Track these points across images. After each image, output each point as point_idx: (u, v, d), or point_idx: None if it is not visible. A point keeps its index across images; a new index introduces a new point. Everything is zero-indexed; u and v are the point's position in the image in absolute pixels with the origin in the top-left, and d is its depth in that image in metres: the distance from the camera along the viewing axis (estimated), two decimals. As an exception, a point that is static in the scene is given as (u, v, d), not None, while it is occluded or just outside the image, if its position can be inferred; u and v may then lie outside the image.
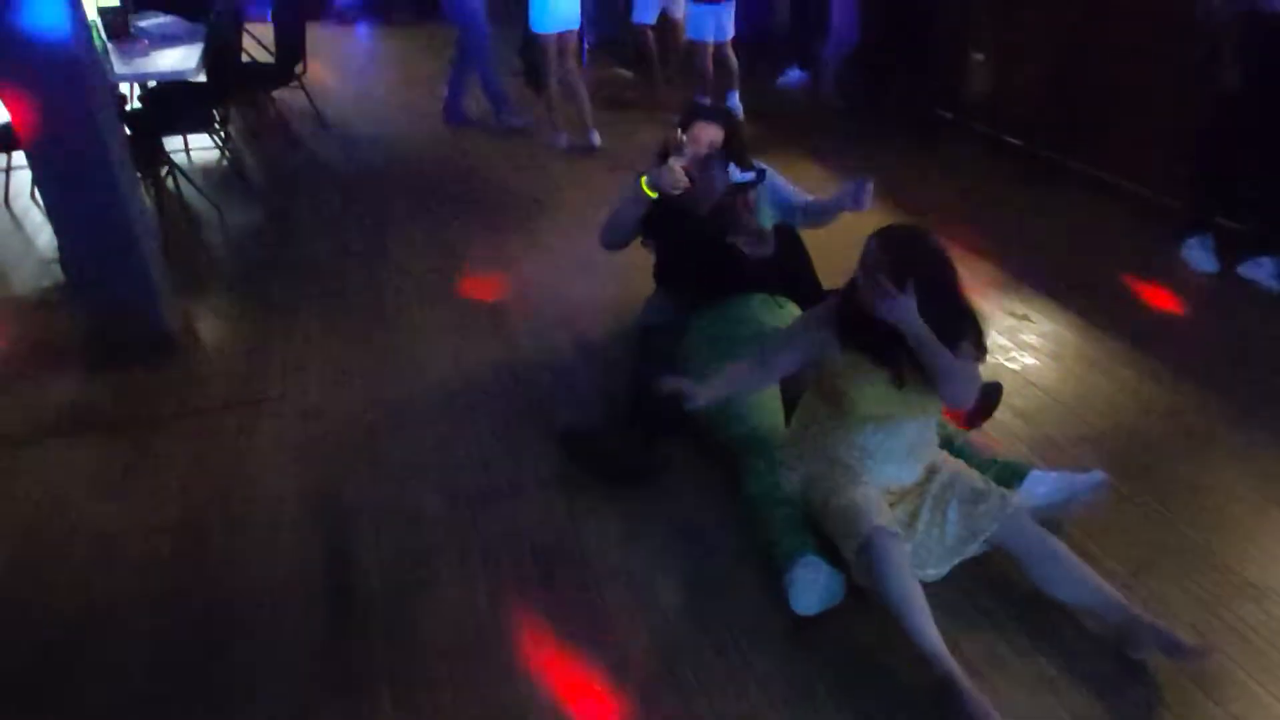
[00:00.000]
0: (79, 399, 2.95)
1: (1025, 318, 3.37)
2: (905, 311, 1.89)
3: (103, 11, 4.45)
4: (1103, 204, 4.41)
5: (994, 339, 3.21)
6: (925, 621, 1.80)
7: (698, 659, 1.93)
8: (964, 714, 1.68)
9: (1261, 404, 2.80)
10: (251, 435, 2.74)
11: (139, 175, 3.64)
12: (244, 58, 5.49)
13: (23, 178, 4.32)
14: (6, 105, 2.93)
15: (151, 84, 4.73)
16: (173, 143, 4.74)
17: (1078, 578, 1.91)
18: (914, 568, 1.92)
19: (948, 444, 2.30)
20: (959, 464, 2.16)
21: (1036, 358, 3.10)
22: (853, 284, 2.05)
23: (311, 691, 1.88)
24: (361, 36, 8.54)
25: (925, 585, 1.90)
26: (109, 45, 4.37)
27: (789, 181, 3.05)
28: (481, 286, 3.69)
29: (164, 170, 4.47)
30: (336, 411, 2.84)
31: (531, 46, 5.45)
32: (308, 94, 5.71)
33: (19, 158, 4.17)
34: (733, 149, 2.86)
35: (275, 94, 5.79)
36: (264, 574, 2.20)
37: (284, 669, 1.93)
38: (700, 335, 2.70)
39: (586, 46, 6.99)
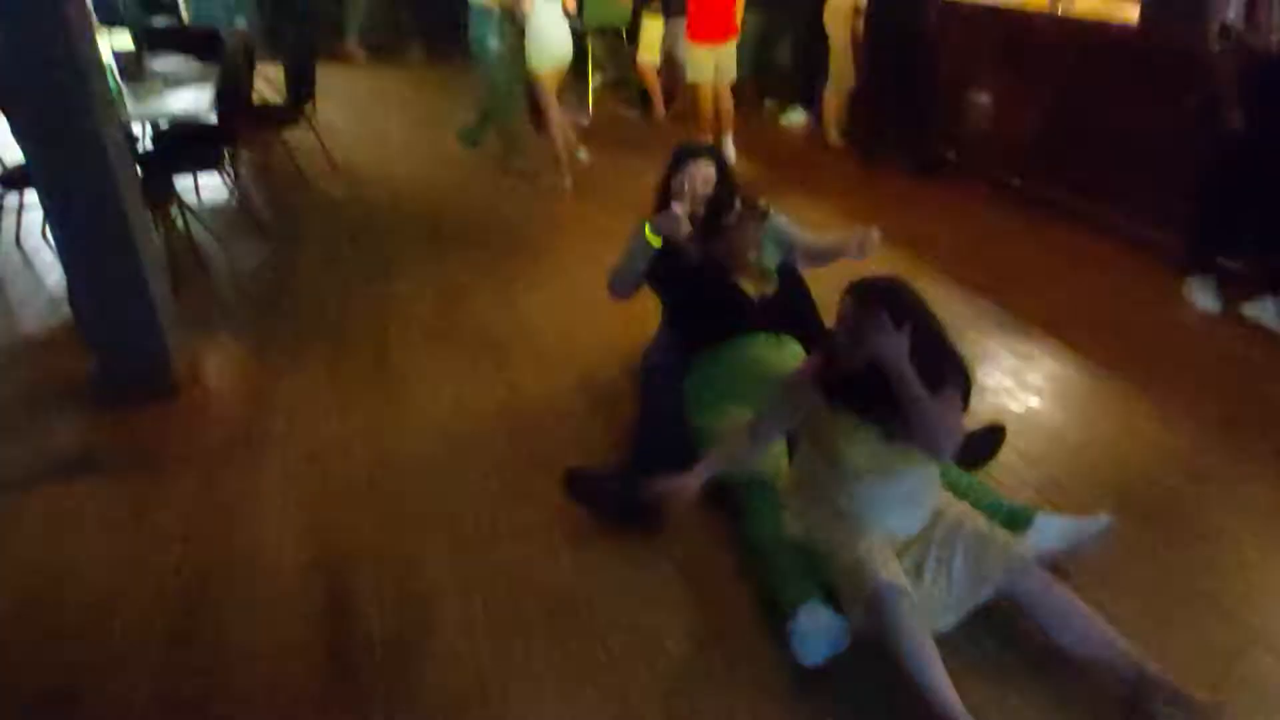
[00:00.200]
0: (83, 439, 2.96)
1: (1029, 357, 3.37)
2: (897, 349, 1.88)
3: (118, 54, 4.54)
4: (1105, 243, 4.42)
5: (997, 379, 3.21)
6: (938, 677, 1.77)
7: (702, 709, 1.90)
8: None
9: (1266, 445, 2.79)
10: (255, 477, 2.73)
11: (149, 213, 3.68)
12: (255, 98, 5.58)
13: (34, 217, 4.37)
14: (21, 145, 2.98)
15: (163, 123, 4.80)
16: (182, 181, 4.80)
17: (1088, 629, 1.88)
18: (924, 618, 1.90)
19: (952, 487, 2.29)
20: (964, 509, 2.14)
21: (1040, 398, 3.10)
22: (832, 343, 2.05)
23: (311, 741, 1.86)
24: (371, 77, 8.67)
25: (935, 636, 1.88)
26: (123, 86, 4.45)
27: (791, 221, 3.07)
28: (485, 326, 3.71)
29: (173, 208, 4.53)
30: (339, 453, 2.84)
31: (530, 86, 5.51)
32: (316, 133, 5.79)
33: (31, 196, 4.22)
34: (726, 185, 2.88)
35: (284, 133, 5.87)
36: (265, 619, 2.18)
37: (284, 716, 1.91)
38: (704, 375, 2.71)
39: (593, 87, 7.09)
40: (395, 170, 5.97)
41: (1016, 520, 2.21)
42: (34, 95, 2.78)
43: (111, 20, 5.53)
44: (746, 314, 2.70)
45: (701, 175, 2.84)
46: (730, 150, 5.78)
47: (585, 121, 6.76)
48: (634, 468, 2.57)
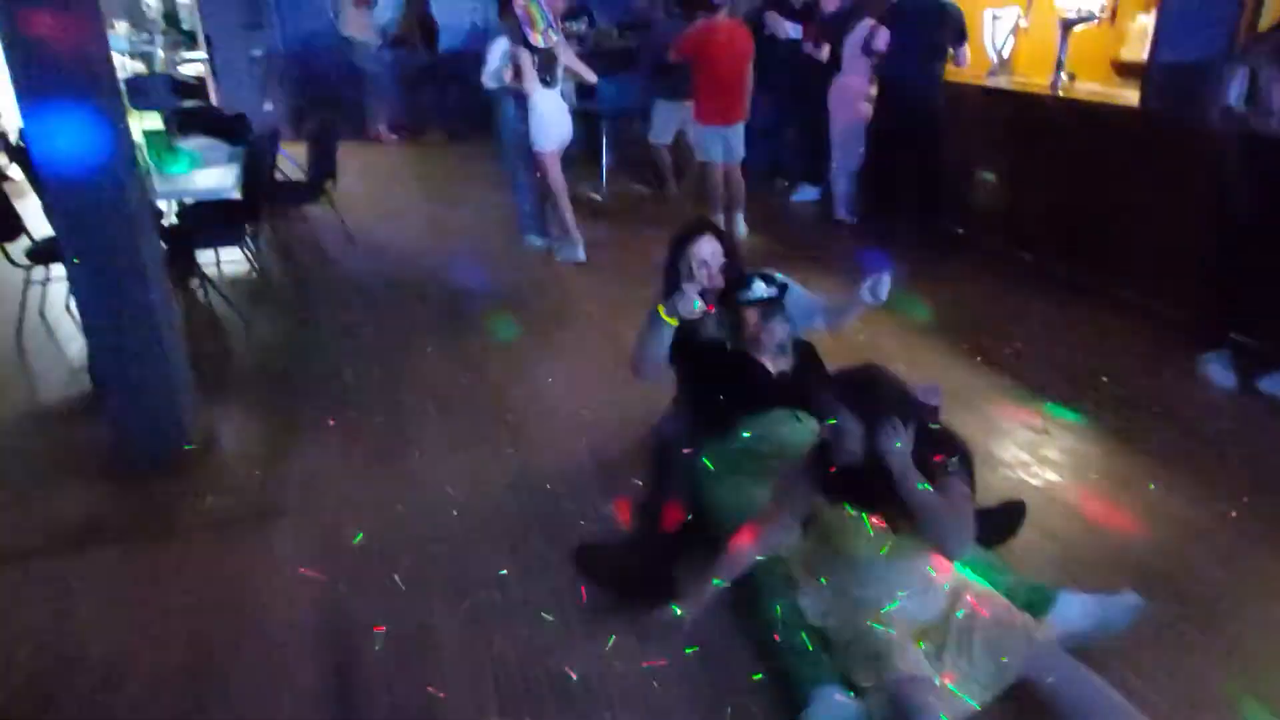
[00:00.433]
0: (96, 509, 2.95)
1: (1045, 431, 3.34)
2: (902, 453, 1.87)
3: (148, 134, 4.70)
4: (1117, 317, 4.44)
5: (1013, 453, 3.18)
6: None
7: (718, 795, 1.84)
8: None
9: (1293, 524, 2.74)
10: (266, 549, 2.72)
11: (171, 285, 3.75)
12: (278, 175, 5.74)
13: (58, 289, 4.46)
14: (50, 220, 3.07)
15: (189, 200, 4.94)
16: (204, 254, 4.90)
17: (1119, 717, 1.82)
18: (947, 705, 1.83)
19: (969, 566, 2.24)
20: (983, 591, 2.09)
21: (1059, 473, 3.06)
22: (823, 443, 2.04)
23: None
24: (391, 156, 8.92)
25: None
26: (152, 165, 4.60)
27: (806, 289, 3.08)
28: (499, 397, 3.72)
29: (195, 281, 4.61)
30: (351, 525, 2.82)
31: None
32: (336, 209, 5.93)
33: (56, 269, 4.32)
34: (734, 258, 2.90)
35: (305, 209, 6.02)
36: (273, 692, 2.14)
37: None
38: (719, 451, 2.69)
39: (606, 166, 7.27)
40: (412, 244, 6.09)
41: (1038, 601, 2.15)
42: (66, 173, 2.87)
43: (142, 103, 5.75)
44: (763, 389, 2.70)
45: (708, 250, 2.85)
46: (742, 228, 5.87)
47: (599, 198, 6.92)
48: (646, 543, 2.54)
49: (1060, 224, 5.01)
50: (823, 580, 2.12)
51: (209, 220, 4.74)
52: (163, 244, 3.72)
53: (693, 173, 6.64)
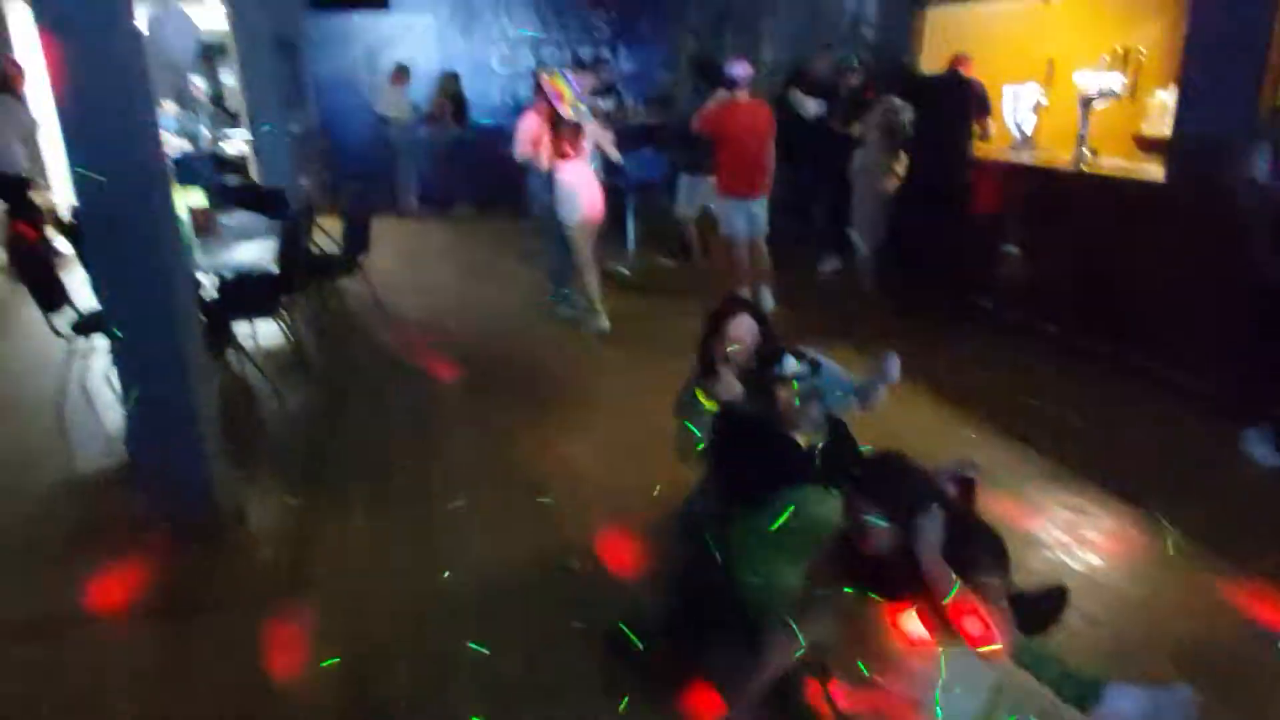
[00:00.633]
0: (128, 580, 2.96)
1: (1084, 511, 3.27)
2: (932, 546, 1.82)
3: (192, 211, 4.86)
4: (1148, 391, 4.37)
5: (1054, 534, 3.11)
6: None
7: None
8: None
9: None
10: (295, 621, 2.70)
11: (208, 357, 3.83)
12: (314, 249, 5.88)
13: (99, 361, 4.55)
14: (96, 293, 3.16)
15: (228, 273, 5.06)
16: (240, 325, 5.00)
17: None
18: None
19: (1013, 657, 2.16)
20: (1027, 684, 2.01)
21: (1100, 555, 2.98)
22: (845, 537, 2.00)
23: None
24: (422, 230, 9.13)
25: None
26: (195, 240, 4.74)
27: (836, 364, 3.07)
28: (526, 471, 3.71)
29: (231, 352, 4.70)
30: (380, 599, 2.80)
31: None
32: (369, 282, 6.05)
33: (97, 341, 4.42)
34: (769, 337, 2.91)
35: (340, 282, 6.14)
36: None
37: None
38: (750, 527, 2.65)
39: (632, 239, 7.38)
40: (442, 318, 6.18)
41: (1085, 694, 2.08)
42: (114, 248, 2.96)
43: (188, 179, 5.96)
44: (796, 466, 2.68)
45: (745, 328, 2.88)
46: (768, 300, 5.91)
47: (626, 271, 7.01)
48: (675, 620, 2.50)
49: (1087, 297, 4.99)
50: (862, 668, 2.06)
51: (247, 293, 4.86)
52: (201, 316, 3.80)
53: (718, 246, 6.72)
